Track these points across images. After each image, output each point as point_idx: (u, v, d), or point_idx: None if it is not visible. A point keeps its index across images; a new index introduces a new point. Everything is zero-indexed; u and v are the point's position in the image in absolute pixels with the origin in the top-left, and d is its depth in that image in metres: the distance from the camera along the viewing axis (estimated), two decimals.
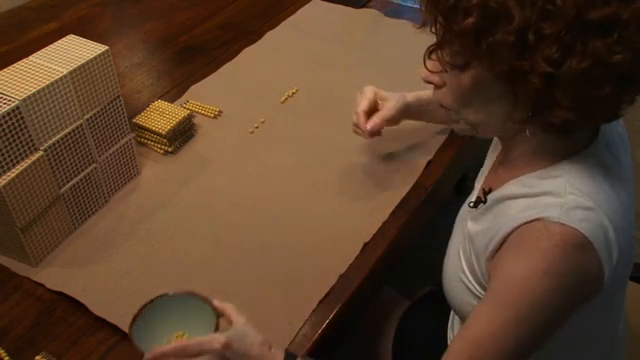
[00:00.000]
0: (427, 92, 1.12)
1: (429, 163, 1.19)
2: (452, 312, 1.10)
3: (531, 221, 0.73)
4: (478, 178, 0.96)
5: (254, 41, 1.55)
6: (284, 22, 1.64)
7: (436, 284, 1.15)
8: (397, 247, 1.07)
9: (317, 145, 1.24)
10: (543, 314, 0.75)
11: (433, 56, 0.75)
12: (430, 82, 0.80)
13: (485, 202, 0.86)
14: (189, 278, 0.98)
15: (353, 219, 1.08)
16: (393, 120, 1.13)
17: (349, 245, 1.03)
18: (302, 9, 1.71)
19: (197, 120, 1.28)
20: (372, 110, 1.12)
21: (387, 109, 1.12)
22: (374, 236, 1.04)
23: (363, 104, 1.12)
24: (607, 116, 0.73)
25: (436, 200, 1.22)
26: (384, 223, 1.07)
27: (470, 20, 0.67)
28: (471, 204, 0.91)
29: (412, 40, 1.58)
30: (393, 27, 1.62)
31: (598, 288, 0.75)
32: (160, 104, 1.25)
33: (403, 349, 1.15)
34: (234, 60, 1.48)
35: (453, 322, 1.08)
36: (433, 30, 0.73)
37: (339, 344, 1.02)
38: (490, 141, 0.99)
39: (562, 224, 0.71)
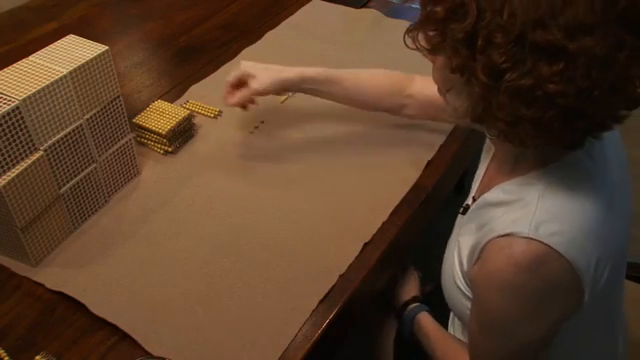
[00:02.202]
0: (322, 70, 1.14)
1: (429, 163, 1.19)
2: (451, 314, 1.10)
3: (501, 236, 0.73)
4: (473, 182, 0.97)
5: (254, 41, 1.55)
6: (284, 22, 1.64)
7: (436, 284, 1.15)
8: (397, 247, 1.07)
9: (317, 145, 1.24)
10: (519, 331, 0.76)
11: (410, 35, 0.77)
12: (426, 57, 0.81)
13: (471, 208, 0.87)
14: (189, 278, 0.98)
15: (353, 219, 1.08)
16: (264, 94, 1.15)
17: (349, 245, 1.03)
18: (302, 9, 1.71)
19: (197, 120, 1.28)
20: (242, 83, 1.16)
21: (253, 88, 1.13)
22: (374, 236, 1.04)
23: (231, 76, 1.16)
24: (556, 142, 0.71)
25: (436, 200, 1.22)
26: (384, 223, 1.07)
27: (439, 8, 0.69)
28: (461, 211, 0.92)
29: None
30: (393, 27, 1.62)
31: (578, 299, 0.74)
32: (160, 104, 1.25)
33: (404, 348, 1.15)
34: (234, 60, 1.48)
35: (454, 321, 1.08)
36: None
37: (339, 344, 1.02)
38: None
39: (529, 239, 0.70)
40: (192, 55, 1.52)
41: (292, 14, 1.68)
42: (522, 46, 0.63)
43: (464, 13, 0.66)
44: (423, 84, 1.13)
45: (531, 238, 0.70)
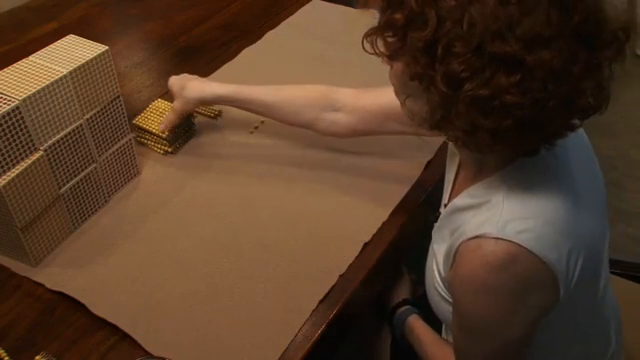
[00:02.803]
0: (229, 89, 1.16)
1: (429, 163, 1.19)
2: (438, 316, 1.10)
3: (470, 238, 0.74)
4: (444, 190, 0.97)
5: (254, 41, 1.55)
6: (284, 22, 1.64)
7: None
8: (397, 247, 1.07)
9: (317, 145, 1.24)
10: (499, 330, 0.77)
11: (369, 39, 0.76)
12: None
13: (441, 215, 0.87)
14: (189, 278, 0.98)
15: (353, 219, 1.08)
16: (180, 117, 1.19)
17: (349, 245, 1.03)
18: (302, 9, 1.71)
19: (197, 120, 1.28)
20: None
21: (174, 110, 1.18)
22: (374, 236, 1.04)
23: (169, 117, 1.20)
24: (514, 150, 0.73)
25: (436, 200, 1.22)
26: (384, 223, 1.07)
27: (399, 15, 0.69)
28: (433, 218, 0.93)
29: None
30: None
31: (554, 292, 0.74)
32: (160, 104, 1.25)
33: (403, 349, 1.15)
34: (234, 60, 1.48)
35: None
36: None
37: (339, 344, 1.02)
38: None
39: (497, 239, 0.71)
40: (192, 55, 1.52)
41: (292, 14, 1.68)
42: (481, 56, 0.64)
43: (423, 22, 0.66)
44: (356, 95, 1.11)
45: (499, 238, 0.71)
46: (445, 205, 0.91)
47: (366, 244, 1.03)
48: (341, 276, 0.98)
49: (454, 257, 0.78)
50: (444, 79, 0.66)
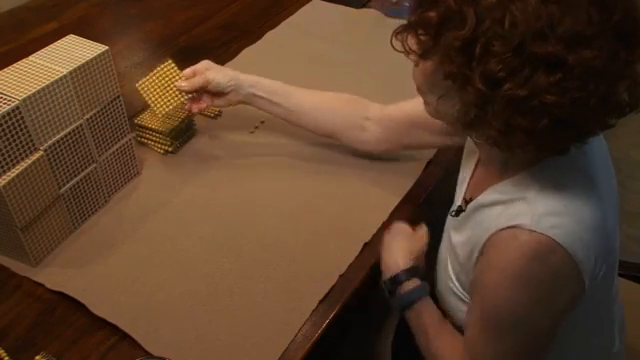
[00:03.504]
0: (278, 82, 1.14)
1: (429, 163, 1.19)
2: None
3: (503, 229, 0.74)
4: (457, 187, 0.97)
5: (254, 41, 1.55)
6: (284, 22, 1.64)
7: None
8: None
9: (317, 146, 1.24)
10: (527, 322, 0.76)
11: (399, 37, 0.76)
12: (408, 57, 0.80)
13: (465, 211, 0.87)
14: (189, 278, 0.98)
15: (353, 219, 1.08)
16: (215, 89, 1.12)
17: (349, 245, 1.03)
18: (302, 9, 1.71)
19: (197, 120, 1.28)
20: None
21: (203, 76, 1.11)
22: (374, 236, 1.04)
23: (186, 70, 1.13)
24: (548, 150, 0.73)
25: (436, 200, 1.22)
26: (384, 223, 1.07)
27: (433, 14, 0.68)
28: (452, 213, 0.92)
29: None
30: (393, 27, 1.62)
31: (580, 289, 0.75)
32: (168, 70, 1.23)
33: (403, 349, 1.15)
34: (234, 60, 1.48)
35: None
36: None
37: (339, 344, 1.02)
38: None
39: (531, 231, 0.71)
40: (192, 55, 1.51)
41: (292, 14, 1.68)
42: (520, 55, 0.63)
43: (461, 20, 0.66)
44: (383, 106, 1.11)
45: (534, 230, 0.71)
46: (466, 200, 0.89)
47: (366, 244, 1.03)
48: (341, 276, 0.98)
49: (482, 249, 0.77)
50: (482, 78, 0.66)
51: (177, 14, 1.69)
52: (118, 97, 1.05)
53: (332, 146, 1.23)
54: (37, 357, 0.86)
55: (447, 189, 1.35)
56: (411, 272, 0.94)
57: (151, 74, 1.14)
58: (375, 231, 1.05)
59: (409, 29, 0.74)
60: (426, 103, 0.82)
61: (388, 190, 1.13)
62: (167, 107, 1.12)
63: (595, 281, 0.75)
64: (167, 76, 1.14)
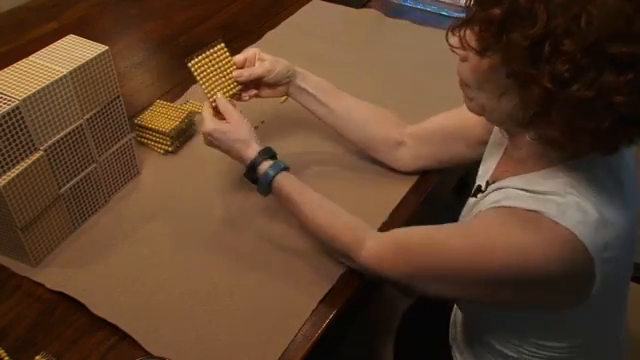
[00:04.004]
0: (322, 80, 1.12)
1: None
2: (454, 310, 1.10)
3: (529, 210, 0.73)
4: (478, 177, 0.96)
5: (254, 41, 1.55)
6: (284, 22, 1.64)
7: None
8: None
9: (317, 146, 1.24)
10: (484, 270, 0.76)
11: (456, 32, 0.75)
12: (455, 52, 0.78)
13: (483, 192, 0.86)
14: (189, 278, 0.98)
15: None
16: (273, 79, 1.07)
17: None
18: (302, 9, 1.71)
19: (197, 120, 1.28)
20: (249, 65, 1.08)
21: (263, 65, 1.06)
22: None
23: (238, 57, 1.07)
24: (602, 149, 0.72)
25: (436, 200, 1.22)
26: (384, 223, 1.07)
27: (497, 10, 0.67)
28: (473, 192, 0.91)
29: (412, 40, 1.59)
30: (393, 27, 1.62)
31: (587, 288, 0.74)
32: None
33: (404, 348, 1.15)
34: None
35: (455, 320, 1.08)
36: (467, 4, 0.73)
37: (339, 344, 1.02)
38: None
39: (556, 223, 0.71)
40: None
41: (292, 14, 1.68)
42: (591, 55, 0.62)
43: (531, 18, 0.64)
44: (419, 124, 1.11)
45: (558, 222, 0.71)
46: (488, 182, 0.88)
47: None
48: (341, 276, 0.98)
49: (497, 206, 0.77)
50: (551, 78, 0.65)
51: (177, 14, 1.69)
52: (118, 97, 1.05)
53: (332, 147, 1.23)
54: (37, 357, 0.86)
55: (447, 190, 1.35)
56: (261, 154, 0.98)
57: (203, 55, 1.04)
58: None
59: (469, 23, 0.72)
60: (469, 99, 0.81)
61: (388, 190, 1.13)
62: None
63: (605, 285, 0.75)
64: (219, 60, 1.06)
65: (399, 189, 1.13)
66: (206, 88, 1.04)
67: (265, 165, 0.98)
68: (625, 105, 0.63)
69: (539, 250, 0.71)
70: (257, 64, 1.07)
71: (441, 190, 1.23)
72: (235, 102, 1.07)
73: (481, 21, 0.70)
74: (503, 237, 0.74)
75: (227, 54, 1.06)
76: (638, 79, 0.62)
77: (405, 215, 1.08)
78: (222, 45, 1.06)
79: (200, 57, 1.04)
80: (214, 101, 1.04)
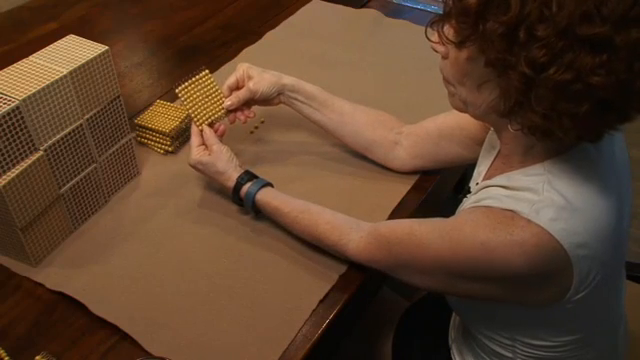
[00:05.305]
0: (313, 88, 1.13)
1: None
2: (454, 313, 1.10)
3: (504, 209, 0.74)
4: (472, 180, 0.97)
5: (254, 41, 1.55)
6: (284, 22, 1.64)
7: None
8: None
9: (317, 146, 1.24)
10: (468, 275, 0.78)
11: (434, 27, 0.76)
12: (436, 50, 0.79)
13: (472, 192, 0.87)
14: (188, 278, 0.98)
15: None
16: (258, 97, 1.11)
17: None
18: (302, 9, 1.71)
19: None
20: (239, 87, 1.12)
21: (250, 88, 1.10)
22: None
23: (230, 80, 1.11)
24: (584, 136, 0.72)
25: (436, 200, 1.22)
26: None
27: (472, 0, 0.68)
28: (463, 193, 0.92)
29: (412, 40, 1.58)
30: (393, 27, 1.62)
31: (565, 285, 0.75)
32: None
33: (403, 350, 1.15)
34: (234, 60, 1.48)
35: (455, 321, 1.08)
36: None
37: (339, 344, 1.02)
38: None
39: (529, 221, 0.71)
40: (192, 55, 1.52)
41: (292, 14, 1.68)
42: (565, 38, 0.63)
43: (505, 5, 0.65)
44: (415, 124, 1.12)
45: (531, 220, 0.71)
46: (477, 184, 0.89)
47: None
48: (341, 276, 0.98)
49: (477, 205, 0.78)
50: (527, 63, 0.65)
51: (177, 14, 1.69)
52: (118, 97, 1.05)
53: (332, 146, 1.23)
54: (37, 357, 0.86)
55: (447, 190, 1.35)
56: (239, 180, 1.04)
57: (190, 81, 1.10)
58: None
59: (447, 18, 0.73)
60: (451, 95, 0.82)
61: (388, 190, 1.13)
62: (208, 119, 1.10)
63: (585, 287, 0.75)
64: (205, 85, 1.12)
65: (399, 189, 1.13)
66: (193, 112, 1.09)
67: (245, 188, 1.04)
68: (602, 87, 0.64)
69: (507, 249, 0.72)
70: (246, 84, 1.11)
71: (441, 190, 1.23)
72: (226, 123, 1.12)
73: (458, 13, 0.71)
74: (472, 235, 0.75)
75: (212, 79, 1.12)
76: (612, 60, 0.63)
77: (405, 215, 1.08)
78: (207, 72, 1.12)
79: (186, 83, 1.10)
80: (201, 127, 1.09)
